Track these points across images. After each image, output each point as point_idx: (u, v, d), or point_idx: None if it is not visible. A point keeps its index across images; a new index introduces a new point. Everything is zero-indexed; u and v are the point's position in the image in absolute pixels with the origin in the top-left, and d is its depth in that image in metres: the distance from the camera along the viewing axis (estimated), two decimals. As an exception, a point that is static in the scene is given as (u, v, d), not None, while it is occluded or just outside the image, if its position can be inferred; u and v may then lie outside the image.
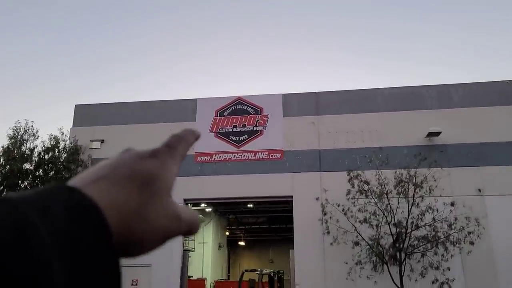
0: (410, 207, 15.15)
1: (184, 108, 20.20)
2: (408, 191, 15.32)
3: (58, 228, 0.30)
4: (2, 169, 17.51)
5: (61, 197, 0.32)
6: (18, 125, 18.56)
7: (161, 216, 0.40)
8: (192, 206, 23.64)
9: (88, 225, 0.32)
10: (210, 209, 27.52)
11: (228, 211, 29.87)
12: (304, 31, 58.28)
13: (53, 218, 0.30)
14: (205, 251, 28.68)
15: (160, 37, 58.90)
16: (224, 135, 19.52)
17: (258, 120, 19.59)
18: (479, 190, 17.00)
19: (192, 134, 0.49)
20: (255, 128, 19.47)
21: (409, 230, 15.04)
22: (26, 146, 18.28)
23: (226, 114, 19.88)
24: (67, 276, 0.29)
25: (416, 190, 15.23)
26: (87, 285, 0.31)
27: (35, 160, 18.12)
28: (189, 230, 0.44)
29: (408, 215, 15.07)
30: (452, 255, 14.84)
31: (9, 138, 18.22)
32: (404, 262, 14.98)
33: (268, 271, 23.72)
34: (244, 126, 19.57)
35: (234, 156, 19.11)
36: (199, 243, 28.13)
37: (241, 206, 26.18)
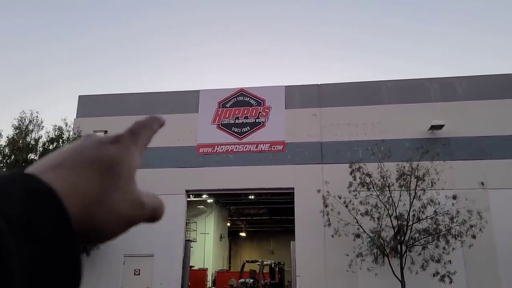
0: (411, 200, 15.17)
1: (187, 100, 20.18)
2: (410, 184, 15.32)
3: (15, 211, 0.30)
4: (7, 159, 17.60)
5: (18, 184, 0.32)
6: (23, 116, 18.63)
7: (123, 202, 0.39)
8: (194, 197, 23.81)
9: (46, 211, 0.31)
10: (211, 200, 27.68)
11: (229, 202, 30.02)
12: (307, 23, 57.89)
13: (10, 203, 0.30)
14: (207, 242, 28.88)
15: (163, 28, 58.62)
16: (226, 127, 19.52)
17: (260, 112, 19.57)
18: (482, 183, 16.99)
19: (157, 121, 0.48)
20: (257, 120, 19.46)
21: (410, 223, 15.08)
22: (31, 137, 18.36)
23: (228, 106, 19.86)
24: (24, 262, 0.29)
25: (418, 183, 15.24)
26: (46, 271, 0.30)
27: (39, 150, 18.19)
28: (153, 216, 0.43)
29: (410, 208, 15.10)
30: (453, 248, 14.88)
31: (14, 128, 18.30)
32: (405, 255, 15.04)
33: (269, 262, 23.89)
34: (246, 117, 19.56)
35: (236, 147, 19.14)
36: (201, 233, 28.32)
37: (242, 198, 26.30)
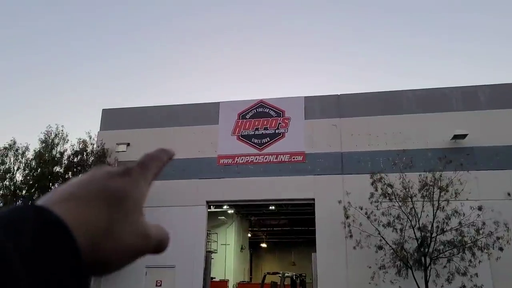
0: (435, 211, 14.88)
1: (207, 112, 20.46)
2: (433, 194, 15.04)
3: (26, 246, 0.31)
4: (34, 172, 18.20)
5: (28, 216, 0.33)
6: (49, 130, 19.27)
7: (130, 234, 0.40)
8: (215, 208, 23.95)
9: (55, 244, 0.32)
10: (232, 211, 27.74)
11: (250, 213, 30.00)
12: (326, 33, 57.98)
13: (20, 237, 0.31)
14: (228, 253, 28.87)
15: (184, 42, 59.75)
16: (246, 138, 19.66)
17: (280, 123, 19.65)
18: (509, 194, 16.52)
19: (166, 153, 0.49)
20: (277, 131, 19.54)
21: (434, 234, 14.77)
22: (57, 150, 18.96)
23: (248, 117, 20.03)
24: None
25: (441, 194, 14.95)
26: None
27: (64, 163, 18.76)
28: (158, 248, 0.44)
29: (433, 219, 14.80)
30: (480, 261, 14.46)
31: (41, 142, 18.94)
32: (430, 267, 14.71)
33: (290, 274, 23.68)
34: (266, 128, 19.67)
35: (256, 158, 19.23)
36: (222, 244, 28.35)
37: (263, 208, 26.28)
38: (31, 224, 0.32)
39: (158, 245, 0.44)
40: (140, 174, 0.44)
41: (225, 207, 25.06)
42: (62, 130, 19.47)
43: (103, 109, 21.83)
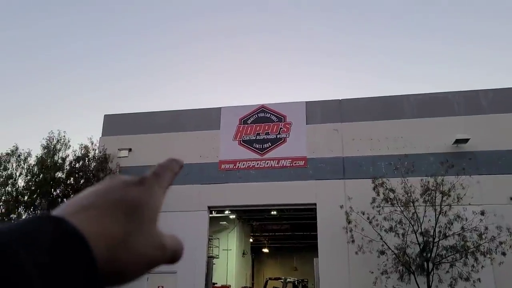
0: (437, 215, 14.84)
1: (209, 117, 20.50)
2: (435, 199, 15.01)
3: (44, 260, 0.31)
4: (36, 178, 18.25)
5: (45, 228, 0.33)
6: (51, 135, 19.33)
7: (146, 244, 0.40)
8: (216, 213, 23.93)
9: (72, 255, 0.33)
10: (234, 216, 27.69)
11: (252, 218, 29.96)
12: (328, 38, 58.11)
13: (37, 250, 0.31)
14: (229, 258, 28.77)
15: (185, 47, 59.95)
16: (248, 143, 19.68)
17: (281, 128, 19.68)
18: (511, 198, 16.47)
19: (176, 163, 0.49)
20: (278, 136, 19.56)
21: (436, 239, 14.72)
22: (59, 156, 19.01)
23: (249, 122, 20.06)
24: None
25: (443, 198, 14.91)
26: None
27: (66, 168, 18.80)
28: (173, 259, 0.44)
29: (436, 224, 14.76)
30: (482, 266, 14.38)
31: (43, 148, 18.99)
32: (432, 272, 14.64)
33: (292, 280, 23.61)
34: (267, 134, 19.69)
35: (258, 163, 19.23)
36: (223, 250, 28.28)
37: (264, 213, 26.23)
38: (48, 236, 0.32)
39: (173, 256, 0.44)
40: (155, 184, 0.44)
41: (226, 212, 25.02)
42: (64, 136, 19.55)
43: (105, 115, 21.90)
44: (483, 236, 14.53)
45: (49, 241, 0.32)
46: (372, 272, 15.72)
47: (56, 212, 0.37)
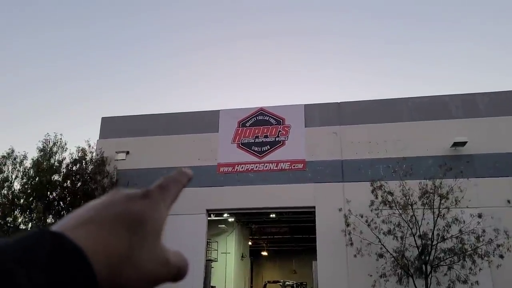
0: (435, 218, 14.85)
1: (207, 120, 20.49)
2: (433, 202, 15.03)
3: (41, 279, 0.30)
4: (32, 181, 18.15)
5: (44, 243, 0.32)
6: (48, 138, 19.24)
7: (150, 260, 0.38)
8: (215, 216, 23.89)
9: (72, 272, 0.31)
10: (232, 219, 27.62)
11: (250, 221, 29.90)
12: (327, 40, 58.23)
13: (36, 269, 0.30)
14: (228, 261, 28.70)
15: (183, 50, 60.00)
16: (247, 146, 19.68)
17: (280, 131, 19.68)
18: (508, 201, 16.50)
19: (185, 175, 0.48)
20: (277, 139, 19.57)
21: (434, 242, 14.72)
22: (55, 158, 18.91)
23: (248, 125, 20.06)
24: None
25: (441, 201, 14.93)
26: None
27: (63, 171, 18.71)
28: (177, 277, 0.42)
29: (434, 227, 14.77)
30: (480, 269, 14.40)
31: (39, 150, 18.89)
32: (430, 275, 14.64)
33: (291, 283, 23.59)
34: (266, 136, 19.69)
35: (257, 166, 19.22)
36: (222, 253, 28.20)
37: (263, 216, 26.19)
38: (46, 252, 0.31)
39: (178, 273, 0.42)
40: (160, 197, 0.42)
41: (225, 215, 24.95)
42: (61, 139, 19.45)
43: (102, 117, 21.86)
44: (481, 239, 14.56)
45: (47, 258, 0.31)
46: (371, 275, 15.71)
47: (55, 227, 0.36)
